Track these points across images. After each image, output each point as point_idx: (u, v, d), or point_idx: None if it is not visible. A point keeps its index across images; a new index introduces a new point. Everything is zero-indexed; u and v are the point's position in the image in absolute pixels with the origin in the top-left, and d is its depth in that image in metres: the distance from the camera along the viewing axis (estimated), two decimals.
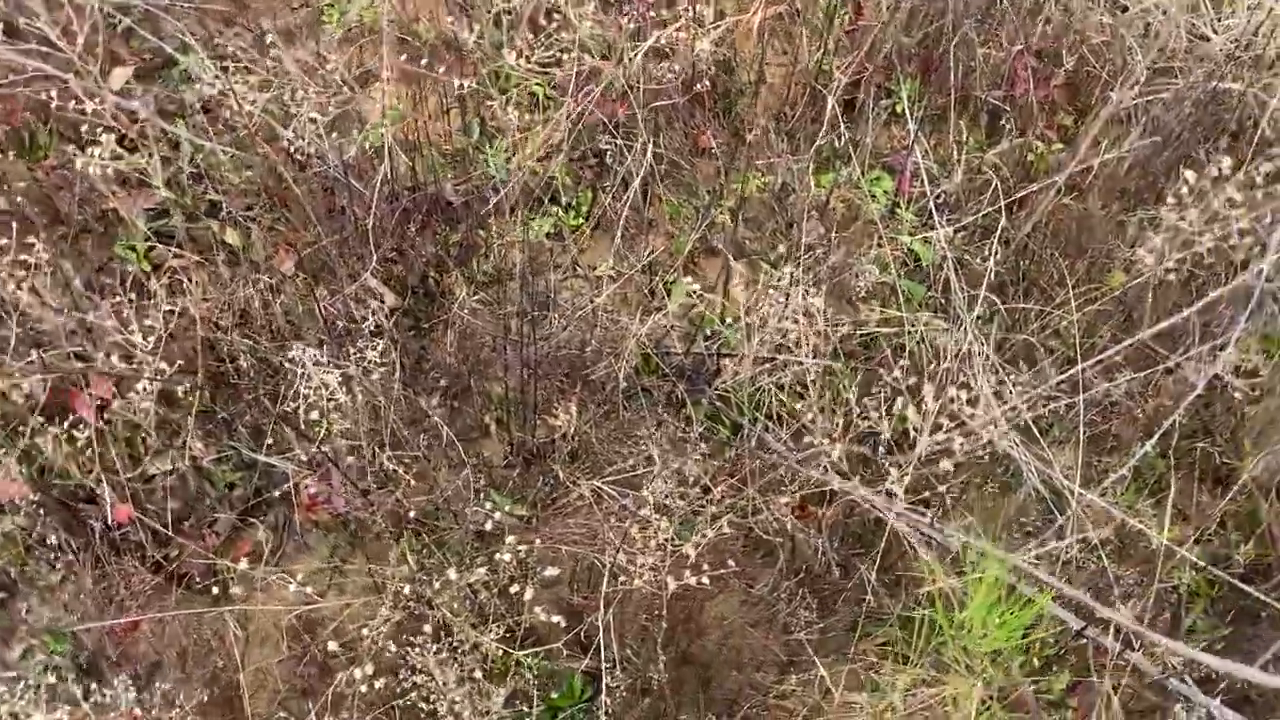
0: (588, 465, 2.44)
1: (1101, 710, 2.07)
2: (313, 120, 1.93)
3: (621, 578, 1.72)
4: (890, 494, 1.74)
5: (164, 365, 1.74)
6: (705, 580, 1.64)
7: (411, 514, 2.00)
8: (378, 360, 1.83)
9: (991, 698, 1.73)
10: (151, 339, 1.72)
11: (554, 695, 2.02)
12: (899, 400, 1.72)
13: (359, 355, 1.81)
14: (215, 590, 2.25)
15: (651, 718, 2.07)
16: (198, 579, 2.45)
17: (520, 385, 2.63)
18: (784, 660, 2.16)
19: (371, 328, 1.76)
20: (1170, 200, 1.66)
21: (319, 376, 1.66)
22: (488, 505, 1.82)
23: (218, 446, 2.63)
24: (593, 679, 2.25)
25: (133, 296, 1.82)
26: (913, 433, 1.69)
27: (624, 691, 2.01)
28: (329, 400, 1.66)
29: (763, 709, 2.04)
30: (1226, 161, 1.62)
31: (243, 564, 1.78)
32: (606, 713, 2.01)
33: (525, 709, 1.88)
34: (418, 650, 1.66)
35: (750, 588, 2.22)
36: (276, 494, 2.42)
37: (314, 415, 1.69)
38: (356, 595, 2.37)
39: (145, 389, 1.74)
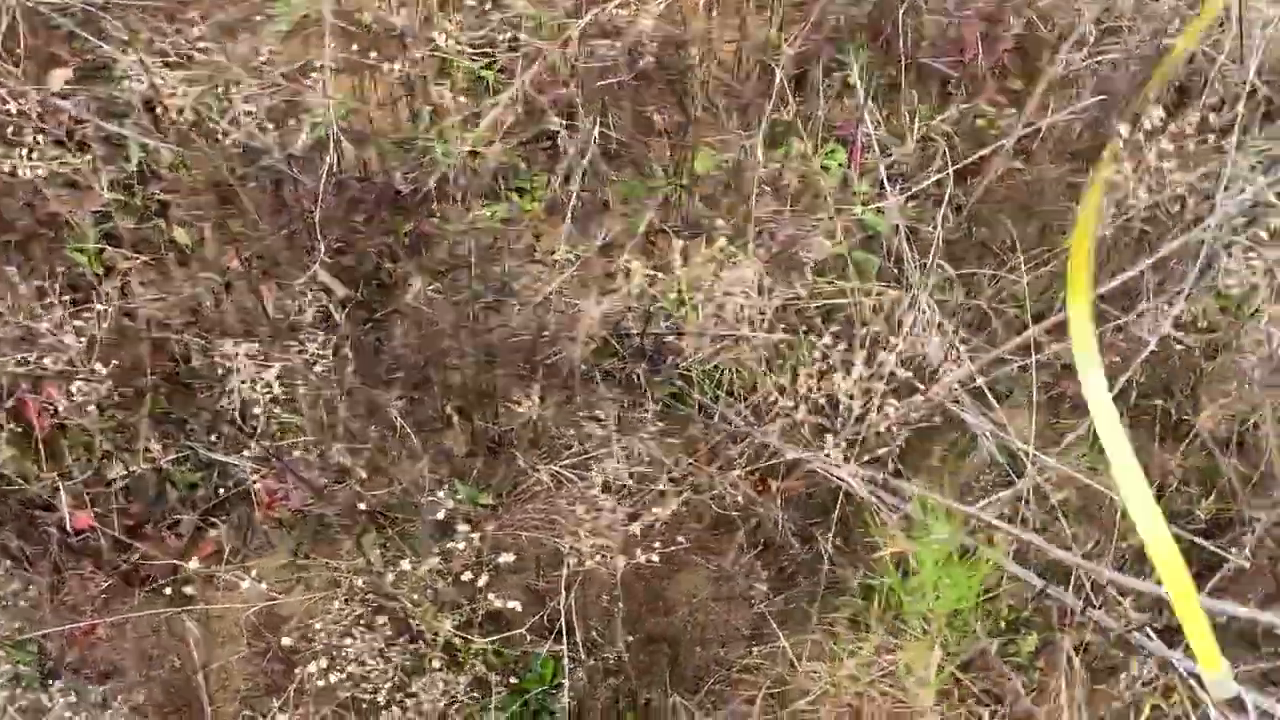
0: (545, 451, 2.43)
1: (1065, 669, 2.08)
2: (248, 112, 1.90)
3: (574, 559, 1.71)
4: (830, 459, 1.74)
5: (99, 365, 1.71)
6: (654, 558, 1.63)
7: (363, 506, 1.99)
8: (319, 352, 1.81)
9: (949, 660, 1.74)
10: (84, 339, 1.70)
11: (514, 680, 2.01)
12: (832, 368, 1.72)
13: (300, 348, 1.79)
14: (176, 592, 2.24)
15: (617, 698, 2.07)
16: (159, 581, 2.44)
17: (479, 373, 2.61)
18: (749, 634, 2.16)
19: (310, 319, 1.74)
20: (1105, 155, 1.66)
21: (249, 370, 1.64)
22: (440, 494, 1.81)
23: (175, 448, 2.61)
24: (563, 663, 2.25)
25: (67, 299, 1.79)
26: (845, 399, 1.68)
27: (586, 673, 2.01)
28: (265, 393, 1.65)
29: (727, 683, 2.04)
30: (1158, 113, 1.62)
31: (194, 564, 1.76)
32: (570, 695, 2.00)
33: (478, 695, 1.87)
34: (365, 641, 1.65)
35: (710, 564, 2.22)
36: (232, 492, 2.40)
37: (255, 410, 1.68)
38: (320, 591, 2.36)
39: (80, 389, 1.71)
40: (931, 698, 1.70)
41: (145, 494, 2.58)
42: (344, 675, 1.61)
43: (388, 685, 1.61)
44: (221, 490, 2.57)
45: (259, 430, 1.73)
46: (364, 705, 1.67)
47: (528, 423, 2.64)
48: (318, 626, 1.68)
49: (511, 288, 2.85)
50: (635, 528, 1.65)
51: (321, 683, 1.67)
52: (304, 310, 1.76)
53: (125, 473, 2.52)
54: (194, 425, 2.48)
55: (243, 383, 1.65)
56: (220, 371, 1.70)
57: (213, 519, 2.57)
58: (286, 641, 1.67)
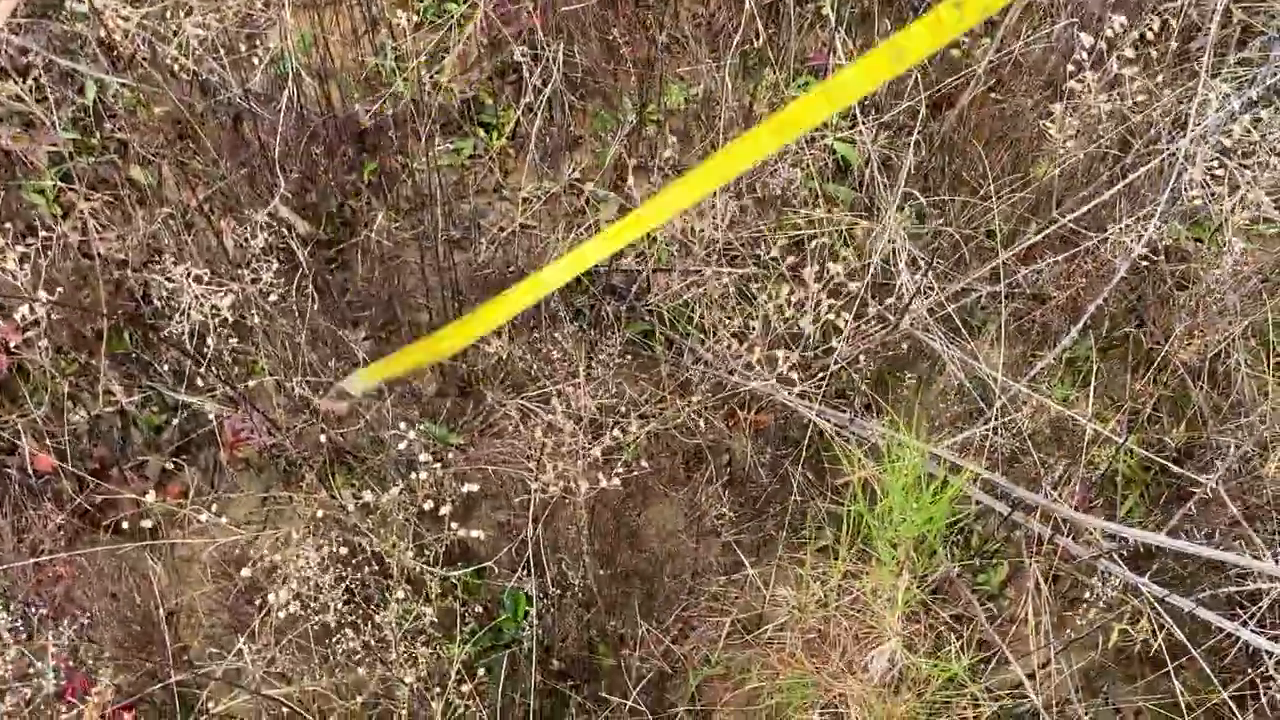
0: (510, 385, 2.40)
1: (1032, 595, 2.08)
2: (200, 39, 1.84)
3: (537, 486, 1.69)
4: (784, 380, 1.72)
5: (44, 293, 1.67)
6: (617, 482, 1.61)
7: (323, 439, 1.96)
8: (273, 280, 1.77)
9: (916, 585, 1.73)
10: (28, 266, 1.65)
11: (480, 610, 2.00)
12: (800, 300, 1.69)
13: (253, 276, 1.75)
14: (144, 533, 2.22)
15: (588, 628, 2.06)
16: (126, 524, 2.41)
17: (445, 311, 2.58)
18: (718, 565, 2.16)
19: (262, 246, 1.69)
20: (1070, 67, 1.62)
21: (195, 293, 1.60)
22: (402, 426, 1.78)
23: (138, 389, 2.58)
24: (539, 596, 2.25)
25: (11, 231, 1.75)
26: (810, 329, 1.66)
27: (556, 604, 2.00)
28: (214, 315, 1.61)
29: (696, 613, 2.04)
30: (1120, 20, 1.58)
31: (150, 496, 1.73)
32: (540, 625, 2.00)
33: (445, 626, 1.86)
34: (328, 573, 1.63)
35: (681, 497, 2.20)
36: (199, 433, 2.37)
37: (210, 342, 1.64)
38: (286, 528, 2.34)
39: (25, 316, 1.67)
40: (897, 621, 1.69)
41: (110, 437, 2.55)
42: (305, 606, 1.59)
43: (348, 614, 1.60)
44: (187, 432, 2.55)
45: (209, 356, 1.70)
46: (326, 638, 1.66)
47: (498, 361, 2.62)
48: (278, 559, 1.66)
49: (479, 224, 2.81)
50: (597, 450, 1.62)
51: (284, 613, 1.65)
52: (255, 235, 1.70)
53: (88, 415, 2.49)
54: (157, 366, 2.45)
55: (190, 307, 1.61)
56: (173, 301, 1.66)
57: (179, 461, 2.55)
58: (246, 573, 1.65)
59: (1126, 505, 2.56)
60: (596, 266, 2.74)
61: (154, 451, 2.57)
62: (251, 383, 1.98)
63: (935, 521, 1.73)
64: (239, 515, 2.48)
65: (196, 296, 1.58)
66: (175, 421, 2.53)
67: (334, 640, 1.65)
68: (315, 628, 1.62)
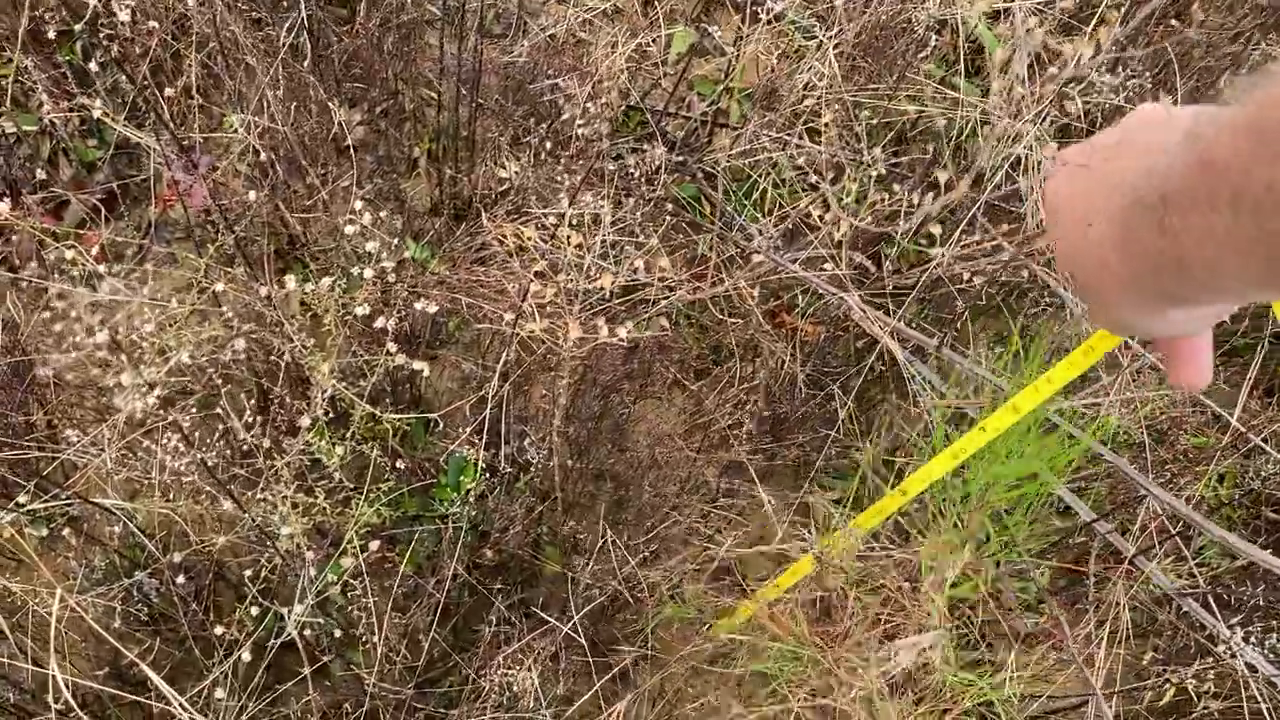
0: (515, 212, 1.94)
1: (1093, 625, 1.64)
2: None
3: (512, 321, 1.24)
4: (865, 276, 1.26)
5: None
6: (622, 334, 1.16)
7: (266, 210, 1.50)
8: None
9: (977, 571, 1.29)
10: None
11: (403, 467, 1.56)
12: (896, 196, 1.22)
13: None
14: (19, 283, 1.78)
15: (539, 520, 1.63)
16: (19, 264, 1.98)
17: (457, 109, 2.10)
18: (714, 487, 1.71)
19: None
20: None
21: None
22: (359, 206, 1.32)
23: (78, 113, 2.12)
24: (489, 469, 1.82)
25: None
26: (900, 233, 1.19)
27: (508, 485, 1.57)
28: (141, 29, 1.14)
29: (671, 530, 1.59)
30: None
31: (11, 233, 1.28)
32: (482, 506, 1.57)
33: (360, 479, 1.43)
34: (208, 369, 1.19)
35: (683, 395, 1.75)
36: (140, 181, 1.91)
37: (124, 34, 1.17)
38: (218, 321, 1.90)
39: None
40: (941, 610, 1.26)
41: (34, 161, 2.11)
42: (166, 409, 1.16)
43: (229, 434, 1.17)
44: (126, 177, 2.10)
45: (140, 76, 1.23)
46: (186, 456, 1.23)
47: (507, 190, 2.16)
48: (148, 329, 1.22)
49: (525, 22, 2.31)
50: (576, 307, 1.18)
51: (141, 404, 1.22)
52: None
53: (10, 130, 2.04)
54: (94, 81, 1.98)
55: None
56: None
57: (102, 207, 2.11)
58: (103, 337, 1.21)
59: (1203, 539, 2.12)
60: (651, 105, 2.26)
61: (79, 190, 2.13)
62: (211, 134, 1.52)
63: (1043, 483, 1.29)
64: (165, 285, 2.04)
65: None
66: (112, 161, 2.08)
67: (189, 462, 1.21)
68: (178, 443, 1.18)
